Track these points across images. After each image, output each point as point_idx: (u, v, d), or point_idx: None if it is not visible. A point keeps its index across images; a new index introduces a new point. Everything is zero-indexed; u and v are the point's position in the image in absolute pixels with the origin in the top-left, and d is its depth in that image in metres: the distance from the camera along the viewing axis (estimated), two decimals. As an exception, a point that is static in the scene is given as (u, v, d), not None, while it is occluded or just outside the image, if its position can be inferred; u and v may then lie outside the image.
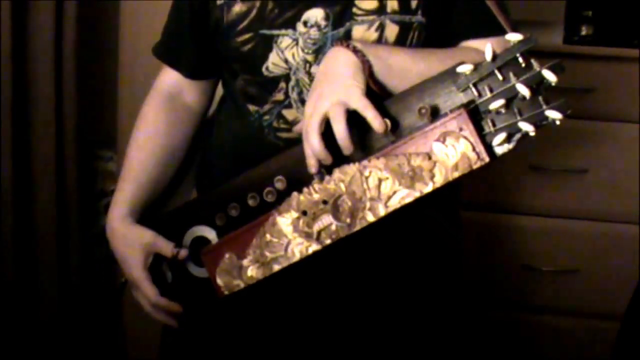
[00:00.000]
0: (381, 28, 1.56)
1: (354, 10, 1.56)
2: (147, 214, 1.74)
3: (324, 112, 1.40)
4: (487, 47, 1.36)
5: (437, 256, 1.71)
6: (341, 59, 1.45)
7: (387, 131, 1.39)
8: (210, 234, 1.61)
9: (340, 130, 1.38)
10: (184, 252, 1.64)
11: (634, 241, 2.56)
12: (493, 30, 1.57)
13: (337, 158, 1.43)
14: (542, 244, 2.65)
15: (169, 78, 1.80)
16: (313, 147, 1.40)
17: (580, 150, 2.56)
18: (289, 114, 1.62)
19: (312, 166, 1.43)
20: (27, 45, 2.59)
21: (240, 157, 1.69)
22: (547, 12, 2.75)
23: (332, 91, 1.41)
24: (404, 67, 1.49)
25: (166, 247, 1.65)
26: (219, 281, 1.54)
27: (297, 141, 1.57)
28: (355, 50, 1.45)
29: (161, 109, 1.77)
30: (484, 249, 2.62)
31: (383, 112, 1.40)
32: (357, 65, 1.44)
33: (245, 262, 1.51)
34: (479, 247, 2.59)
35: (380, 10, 1.56)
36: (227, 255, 1.53)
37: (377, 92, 1.46)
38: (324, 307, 1.66)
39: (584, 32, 2.60)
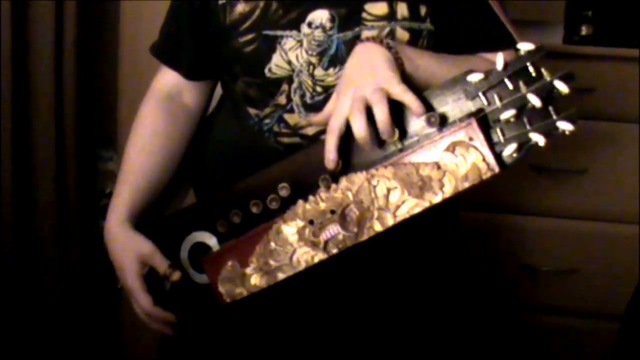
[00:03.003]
0: (392, 34, 1.54)
1: (364, 15, 1.55)
2: (145, 217, 1.72)
3: (365, 99, 1.37)
4: (498, 56, 1.36)
5: (431, 254, 1.71)
6: (377, 54, 1.43)
7: (427, 115, 1.38)
8: (211, 240, 1.59)
9: (383, 112, 1.36)
10: (176, 275, 1.62)
11: (634, 241, 2.57)
12: (504, 43, 1.57)
13: (344, 168, 1.43)
14: (542, 244, 2.65)
15: (168, 78, 1.77)
16: (359, 130, 1.36)
17: (580, 150, 2.56)
18: (290, 118, 1.61)
19: (332, 161, 1.41)
20: (27, 45, 2.57)
21: (239, 161, 1.68)
22: (547, 12, 2.74)
23: (370, 81, 1.39)
24: (429, 70, 1.49)
25: (161, 265, 1.63)
26: (221, 289, 1.52)
27: (299, 147, 1.57)
28: (389, 47, 1.44)
29: (160, 110, 1.74)
30: (484, 249, 2.62)
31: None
32: (392, 61, 1.43)
33: (248, 270, 1.50)
34: (479, 247, 2.60)
35: (391, 16, 1.55)
36: (229, 263, 1.52)
37: None
38: (318, 309, 1.66)
39: (584, 32, 2.61)
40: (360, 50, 1.46)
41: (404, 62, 1.45)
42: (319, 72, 1.57)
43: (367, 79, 1.40)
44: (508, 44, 1.58)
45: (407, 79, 1.44)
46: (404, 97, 1.37)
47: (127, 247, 1.66)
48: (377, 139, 1.40)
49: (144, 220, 1.71)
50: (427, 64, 1.49)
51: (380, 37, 1.48)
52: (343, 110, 1.40)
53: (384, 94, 1.37)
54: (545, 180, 2.61)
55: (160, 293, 1.66)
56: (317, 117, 1.50)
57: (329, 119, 1.43)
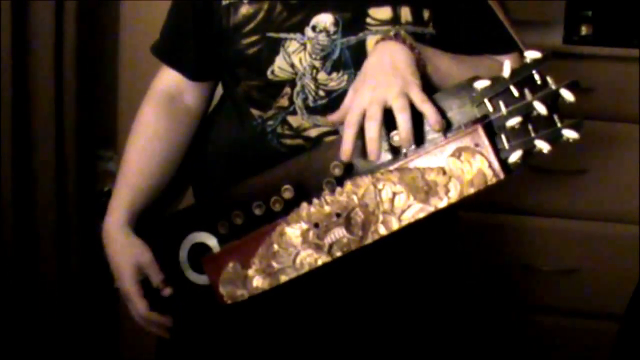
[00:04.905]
0: None
1: (368, 20, 1.54)
2: (145, 217, 1.71)
3: (384, 100, 1.36)
4: (505, 63, 1.36)
5: (433, 256, 1.71)
6: (400, 53, 1.41)
7: (443, 128, 1.37)
8: (211, 241, 1.59)
9: (407, 121, 1.34)
10: (167, 291, 1.64)
11: (634, 241, 2.57)
12: (506, 47, 1.57)
13: (349, 171, 1.43)
14: (542, 244, 2.65)
15: (168, 78, 1.76)
16: (372, 138, 1.35)
17: (580, 150, 2.55)
18: (293, 120, 1.60)
19: (347, 152, 1.37)
20: (27, 45, 2.57)
21: (240, 162, 1.67)
22: (547, 12, 2.74)
23: (392, 82, 1.37)
24: (448, 72, 1.48)
25: (155, 277, 1.64)
26: (222, 290, 1.52)
27: (302, 148, 1.57)
28: (412, 47, 1.43)
29: (160, 111, 1.73)
30: (484, 249, 2.62)
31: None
32: (415, 61, 1.41)
33: (250, 272, 1.49)
34: (479, 247, 2.60)
35: (395, 20, 1.54)
36: (230, 264, 1.51)
37: None
38: (321, 311, 1.66)
39: (584, 32, 2.60)
40: (383, 47, 1.44)
41: (426, 64, 1.44)
42: (322, 76, 1.57)
43: (389, 78, 1.38)
44: (510, 47, 1.58)
45: (427, 81, 1.43)
46: (423, 107, 1.36)
47: (125, 251, 1.66)
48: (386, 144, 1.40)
49: (144, 220, 1.70)
50: (446, 66, 1.49)
51: (404, 36, 1.45)
52: (361, 105, 1.37)
53: (407, 101, 1.36)
54: (545, 180, 2.61)
55: (158, 294, 1.66)
56: (334, 116, 1.45)
57: (346, 115, 1.40)
